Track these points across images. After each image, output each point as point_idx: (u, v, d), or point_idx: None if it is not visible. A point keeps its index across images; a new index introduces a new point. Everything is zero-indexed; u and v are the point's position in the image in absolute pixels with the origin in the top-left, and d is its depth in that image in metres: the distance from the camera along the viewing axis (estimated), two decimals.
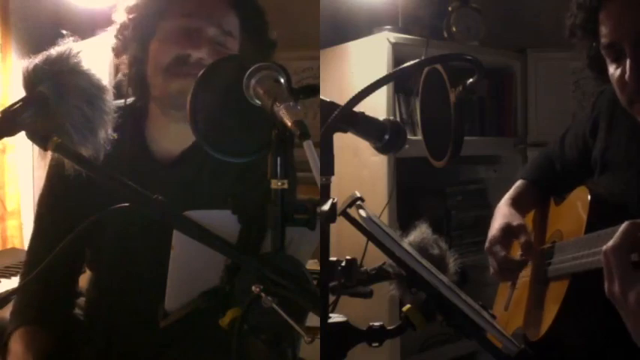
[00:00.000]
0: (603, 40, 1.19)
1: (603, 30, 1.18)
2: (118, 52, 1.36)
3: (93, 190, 1.01)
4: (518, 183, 1.56)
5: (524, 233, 1.36)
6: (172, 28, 1.30)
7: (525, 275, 1.42)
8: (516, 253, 1.43)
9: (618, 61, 1.17)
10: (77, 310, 1.44)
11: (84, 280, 1.46)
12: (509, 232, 1.38)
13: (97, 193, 1.00)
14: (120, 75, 1.38)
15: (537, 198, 1.52)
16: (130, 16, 1.33)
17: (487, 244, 1.40)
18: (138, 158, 1.33)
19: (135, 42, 1.33)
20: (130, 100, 1.36)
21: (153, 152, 1.36)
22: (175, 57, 1.28)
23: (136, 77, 1.34)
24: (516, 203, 1.48)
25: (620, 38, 1.15)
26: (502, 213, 1.44)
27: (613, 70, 1.19)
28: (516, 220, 1.39)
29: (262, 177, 0.82)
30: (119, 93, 1.37)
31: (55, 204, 1.37)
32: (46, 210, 1.40)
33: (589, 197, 1.24)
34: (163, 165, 1.36)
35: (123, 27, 1.34)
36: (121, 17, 1.35)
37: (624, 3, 1.15)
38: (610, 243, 0.91)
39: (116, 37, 1.35)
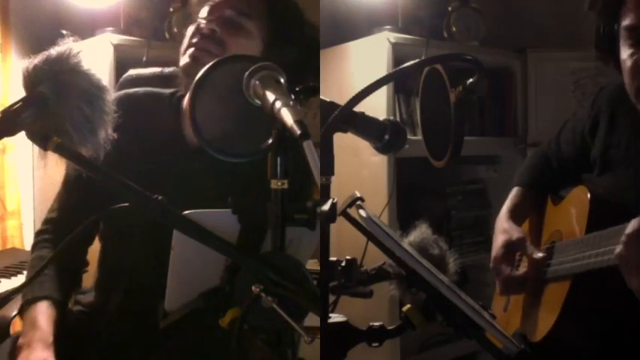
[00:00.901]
0: (626, 22, 1.15)
1: (628, 11, 1.15)
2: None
3: (98, 187, 1.02)
4: (515, 191, 1.55)
5: (524, 246, 1.37)
6: (197, 9, 1.37)
7: None
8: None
9: (637, 45, 1.14)
10: (80, 308, 1.45)
11: (90, 280, 1.47)
12: (510, 247, 1.39)
13: (99, 191, 1.01)
14: (175, 68, 1.45)
15: (535, 202, 1.52)
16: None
17: (492, 264, 1.41)
18: (174, 143, 1.37)
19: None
20: (173, 89, 1.43)
21: (185, 137, 1.39)
22: (194, 28, 1.35)
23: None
24: (514, 214, 1.48)
25: None
26: (502, 228, 1.45)
27: (627, 56, 1.16)
28: (516, 234, 1.40)
29: (265, 176, 0.83)
30: (170, 83, 1.46)
31: (78, 182, 1.40)
32: (72, 186, 1.43)
33: (589, 197, 1.23)
34: (192, 150, 1.38)
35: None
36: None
37: None
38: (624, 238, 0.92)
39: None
